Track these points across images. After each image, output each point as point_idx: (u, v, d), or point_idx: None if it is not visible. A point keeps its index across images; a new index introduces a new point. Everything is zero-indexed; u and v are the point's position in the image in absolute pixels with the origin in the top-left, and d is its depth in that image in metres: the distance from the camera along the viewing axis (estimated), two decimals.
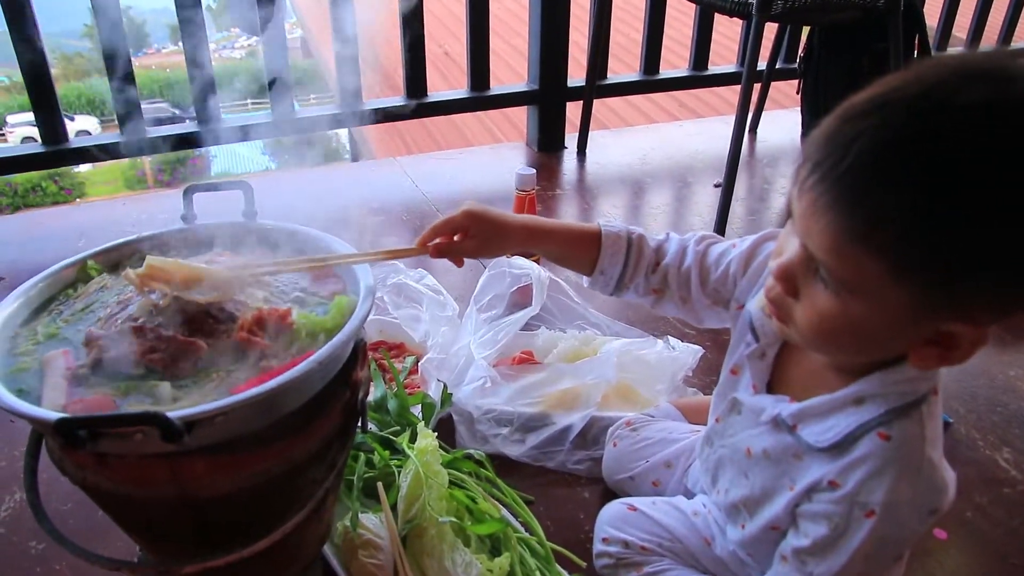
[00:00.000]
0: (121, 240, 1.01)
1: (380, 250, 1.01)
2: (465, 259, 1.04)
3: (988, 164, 0.62)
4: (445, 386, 1.39)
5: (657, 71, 2.94)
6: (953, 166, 0.63)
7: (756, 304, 0.96)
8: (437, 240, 1.02)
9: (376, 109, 2.53)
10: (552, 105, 2.79)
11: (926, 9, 2.48)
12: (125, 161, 12.97)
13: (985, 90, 0.63)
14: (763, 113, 3.01)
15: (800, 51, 2.64)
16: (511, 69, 5.02)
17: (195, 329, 0.84)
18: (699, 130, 3.13)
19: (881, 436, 0.80)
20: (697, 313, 1.06)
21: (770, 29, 2.47)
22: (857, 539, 0.81)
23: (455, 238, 1.01)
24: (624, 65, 3.39)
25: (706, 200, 2.53)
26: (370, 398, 1.34)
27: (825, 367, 0.87)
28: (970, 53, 0.74)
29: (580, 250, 1.05)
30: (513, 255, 1.62)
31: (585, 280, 1.08)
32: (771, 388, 0.95)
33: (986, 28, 3.39)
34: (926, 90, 0.65)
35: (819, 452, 0.85)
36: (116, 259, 1.00)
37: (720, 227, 2.17)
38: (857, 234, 0.68)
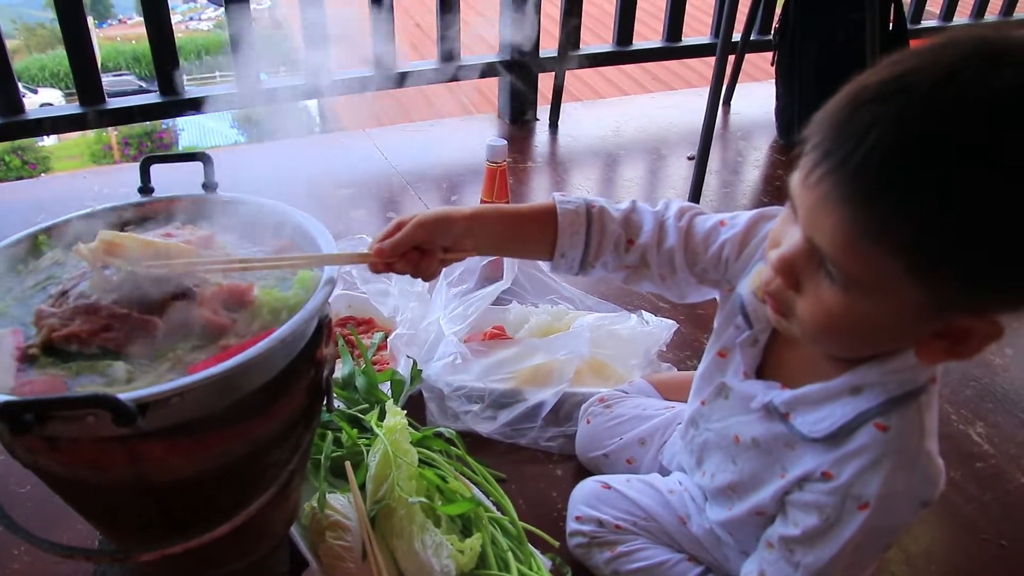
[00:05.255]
0: (73, 214, 0.97)
1: (344, 253, 0.91)
2: None
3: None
4: (415, 362, 1.37)
5: (630, 42, 2.91)
6: (987, 158, 0.58)
7: (748, 287, 0.91)
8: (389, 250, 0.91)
9: (345, 80, 2.48)
10: (523, 76, 2.75)
11: None
12: (91, 135, 12.74)
13: (1015, 74, 0.58)
14: (737, 85, 2.99)
15: (775, 22, 2.62)
16: (482, 40, 4.96)
17: (151, 306, 0.80)
18: (672, 102, 3.11)
19: (879, 427, 0.77)
20: (680, 291, 1.01)
21: (744, 0, 2.45)
22: (848, 531, 0.79)
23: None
24: (596, 36, 3.35)
25: (680, 173, 2.51)
26: (338, 375, 1.31)
27: (820, 354, 0.83)
28: (984, 29, 0.68)
29: (535, 231, 0.98)
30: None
31: (546, 265, 1.01)
32: (761, 373, 0.92)
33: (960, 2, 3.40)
34: (948, 74, 0.60)
35: (813, 442, 0.82)
36: (70, 233, 0.96)
37: (694, 200, 2.14)
38: (872, 231, 0.63)
